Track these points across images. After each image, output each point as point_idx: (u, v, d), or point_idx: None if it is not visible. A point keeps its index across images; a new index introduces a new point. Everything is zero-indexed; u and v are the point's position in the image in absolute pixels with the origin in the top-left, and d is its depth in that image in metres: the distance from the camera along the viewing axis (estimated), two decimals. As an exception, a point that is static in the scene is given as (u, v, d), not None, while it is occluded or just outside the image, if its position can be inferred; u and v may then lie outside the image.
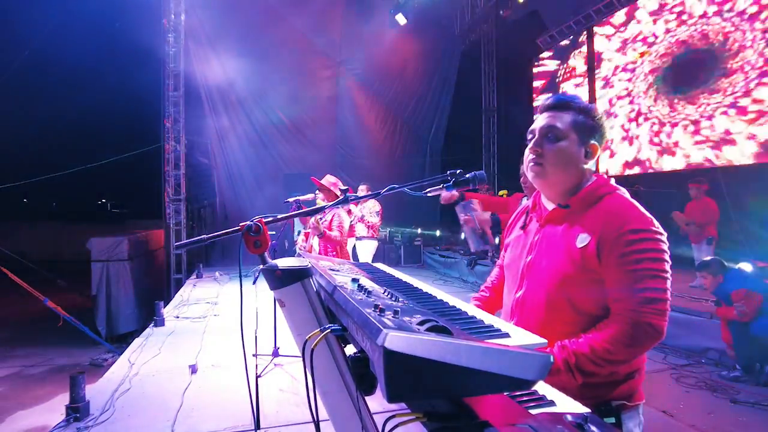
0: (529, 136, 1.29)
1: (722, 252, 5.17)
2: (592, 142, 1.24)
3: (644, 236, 1.11)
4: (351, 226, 6.21)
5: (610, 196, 1.21)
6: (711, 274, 3.94)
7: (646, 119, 7.90)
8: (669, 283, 1.11)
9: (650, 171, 7.80)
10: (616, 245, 1.11)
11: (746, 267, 4.21)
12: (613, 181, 1.27)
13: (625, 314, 1.08)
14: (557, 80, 10.37)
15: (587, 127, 1.24)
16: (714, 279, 3.93)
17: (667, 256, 1.12)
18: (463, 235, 3.27)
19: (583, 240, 1.16)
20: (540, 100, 1.47)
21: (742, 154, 6.23)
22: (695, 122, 6.96)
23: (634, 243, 1.10)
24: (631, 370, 1.18)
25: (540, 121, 1.28)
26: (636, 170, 8.10)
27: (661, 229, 1.14)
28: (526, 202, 1.44)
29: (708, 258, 4.24)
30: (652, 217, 1.15)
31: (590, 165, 1.26)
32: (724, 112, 6.49)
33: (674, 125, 7.34)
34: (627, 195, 1.23)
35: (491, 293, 1.55)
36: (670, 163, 7.43)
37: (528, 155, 1.28)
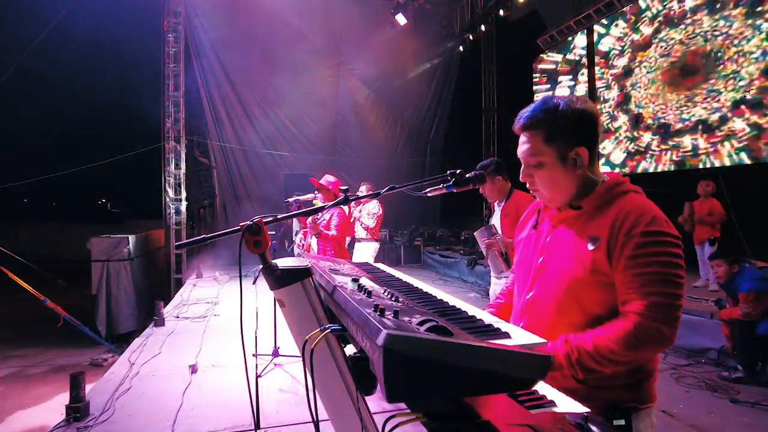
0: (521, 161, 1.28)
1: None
2: (578, 147, 1.17)
3: (656, 239, 1.07)
4: (351, 226, 6.14)
5: (625, 196, 1.17)
6: (727, 263, 3.85)
7: (647, 119, 7.89)
8: (682, 289, 1.06)
9: (650, 171, 7.80)
10: (626, 247, 1.08)
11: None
12: (628, 180, 1.22)
13: (633, 317, 1.05)
14: (557, 80, 10.37)
15: (565, 134, 1.17)
16: (729, 268, 3.84)
17: (680, 261, 1.07)
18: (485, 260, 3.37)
19: (594, 242, 1.14)
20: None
21: (742, 153, 6.23)
22: (696, 122, 6.96)
23: (645, 246, 1.06)
24: (643, 373, 1.16)
25: (520, 146, 1.25)
26: (635, 170, 8.10)
27: (675, 232, 1.09)
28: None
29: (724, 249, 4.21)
30: (667, 219, 1.11)
31: (588, 169, 1.20)
32: (726, 112, 6.49)
33: (674, 125, 7.33)
34: (642, 194, 1.19)
35: (507, 299, 1.51)
36: (669, 164, 7.43)
37: (525, 181, 1.28)
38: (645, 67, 7.92)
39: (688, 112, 7.07)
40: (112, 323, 6.92)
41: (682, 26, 7.18)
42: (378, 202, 6.02)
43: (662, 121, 7.56)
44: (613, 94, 8.68)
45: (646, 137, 7.89)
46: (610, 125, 8.74)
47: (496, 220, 3.17)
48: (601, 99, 8.94)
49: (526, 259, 1.34)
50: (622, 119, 8.46)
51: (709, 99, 6.73)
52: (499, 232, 3.02)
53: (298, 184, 9.08)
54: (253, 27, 10.62)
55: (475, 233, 3.26)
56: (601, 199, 1.18)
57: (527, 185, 1.28)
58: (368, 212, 6.11)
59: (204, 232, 11.27)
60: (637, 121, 8.04)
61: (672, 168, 7.37)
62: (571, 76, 9.92)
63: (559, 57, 10.32)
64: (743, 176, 6.07)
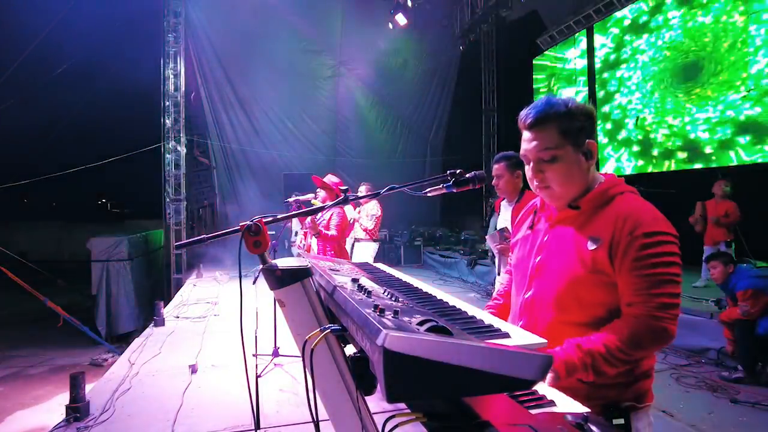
0: (524, 160, 1.26)
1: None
2: (587, 140, 1.20)
3: (658, 239, 1.09)
4: (350, 226, 6.13)
5: (621, 196, 1.19)
6: (722, 263, 3.88)
7: (646, 119, 7.89)
8: (681, 286, 1.11)
9: (649, 171, 7.80)
10: (630, 249, 1.09)
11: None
12: (623, 181, 1.24)
13: (641, 318, 1.07)
14: (557, 80, 10.37)
15: (576, 129, 1.18)
16: (724, 269, 3.86)
17: (678, 259, 1.11)
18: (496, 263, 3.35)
19: (594, 243, 1.15)
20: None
21: (743, 154, 6.24)
22: (695, 122, 6.96)
23: (649, 247, 1.08)
24: (641, 372, 1.17)
25: (528, 143, 1.22)
26: (635, 170, 8.10)
27: (673, 230, 1.12)
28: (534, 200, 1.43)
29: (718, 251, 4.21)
30: (665, 219, 1.13)
31: (592, 163, 1.23)
32: (727, 112, 6.49)
33: (674, 125, 7.33)
34: (638, 195, 1.21)
35: (505, 300, 1.52)
36: (670, 164, 7.43)
37: (532, 179, 1.25)
38: (645, 66, 7.91)
39: (689, 112, 7.07)
40: (112, 323, 6.93)
41: (682, 25, 7.18)
42: (378, 203, 6.01)
43: (663, 121, 7.55)
44: (613, 93, 8.68)
45: (647, 138, 7.89)
46: (610, 126, 8.73)
47: (503, 221, 3.11)
48: (600, 98, 8.94)
49: (523, 259, 1.34)
50: (623, 120, 8.45)
51: (710, 99, 6.73)
52: (511, 233, 3.00)
53: (298, 184, 9.08)
54: (253, 27, 10.62)
55: (487, 237, 3.26)
56: (600, 199, 1.20)
57: (535, 182, 1.25)
58: (367, 213, 6.11)
59: (204, 232, 11.27)
60: (636, 122, 8.04)
61: (673, 168, 7.37)
62: (570, 76, 9.92)
63: (558, 56, 10.32)
64: (744, 176, 6.07)
